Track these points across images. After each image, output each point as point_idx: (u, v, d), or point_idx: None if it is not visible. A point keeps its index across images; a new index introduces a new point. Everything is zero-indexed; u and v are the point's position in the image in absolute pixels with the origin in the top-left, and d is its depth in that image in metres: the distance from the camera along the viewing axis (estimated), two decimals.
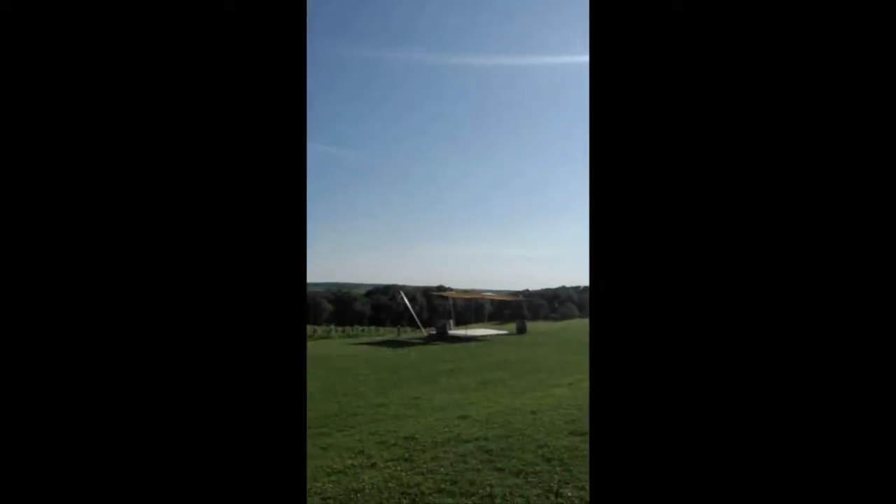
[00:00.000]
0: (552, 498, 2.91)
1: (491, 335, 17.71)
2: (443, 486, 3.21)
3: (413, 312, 23.81)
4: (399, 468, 3.60)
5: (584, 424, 4.26)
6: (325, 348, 14.38)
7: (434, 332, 18.14)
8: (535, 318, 46.56)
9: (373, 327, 33.25)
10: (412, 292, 52.75)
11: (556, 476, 3.23)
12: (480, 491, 3.09)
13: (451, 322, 18.77)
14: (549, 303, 67.39)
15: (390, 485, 3.29)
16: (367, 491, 3.23)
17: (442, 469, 3.52)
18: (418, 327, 21.77)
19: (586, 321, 17.51)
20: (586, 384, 5.20)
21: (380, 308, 63.79)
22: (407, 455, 3.89)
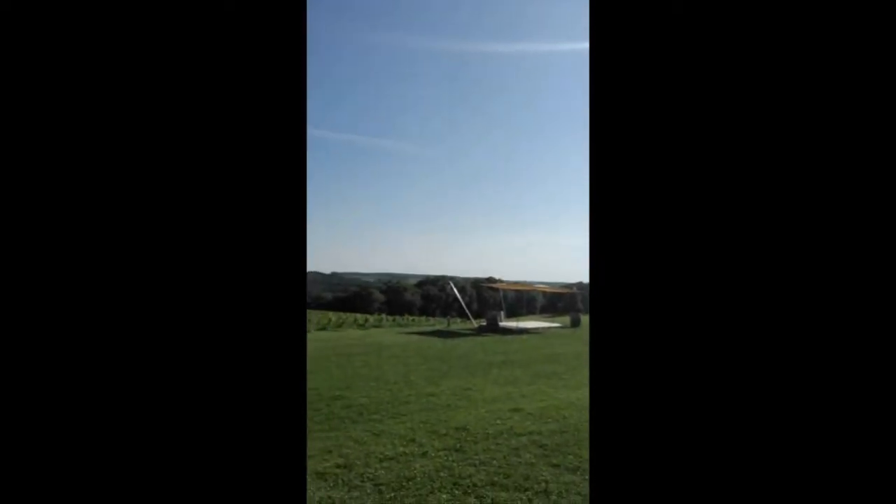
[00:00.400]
0: None
1: (543, 328, 17.40)
2: (495, 478, 3.13)
3: (463, 303, 23.82)
4: (451, 458, 3.55)
5: None
6: (377, 337, 14.65)
7: (485, 324, 18.05)
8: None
9: (423, 317, 33.65)
10: (462, 283, 52.89)
11: None
12: (535, 486, 2.99)
13: (502, 314, 18.61)
14: None
15: (442, 474, 3.24)
16: (419, 479, 3.20)
17: (495, 461, 3.44)
18: (468, 318, 21.76)
19: None
20: None
21: (430, 298, 64.51)
22: (458, 445, 3.83)
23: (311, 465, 3.51)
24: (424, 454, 3.70)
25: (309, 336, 15.90)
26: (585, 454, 3.46)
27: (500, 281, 28.69)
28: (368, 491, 3.05)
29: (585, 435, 3.92)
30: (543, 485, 3.00)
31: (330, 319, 23.28)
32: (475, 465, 3.39)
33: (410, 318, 31.70)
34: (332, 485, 3.16)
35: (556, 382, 6.57)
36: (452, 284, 31.50)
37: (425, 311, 54.16)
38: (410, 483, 3.15)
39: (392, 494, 2.99)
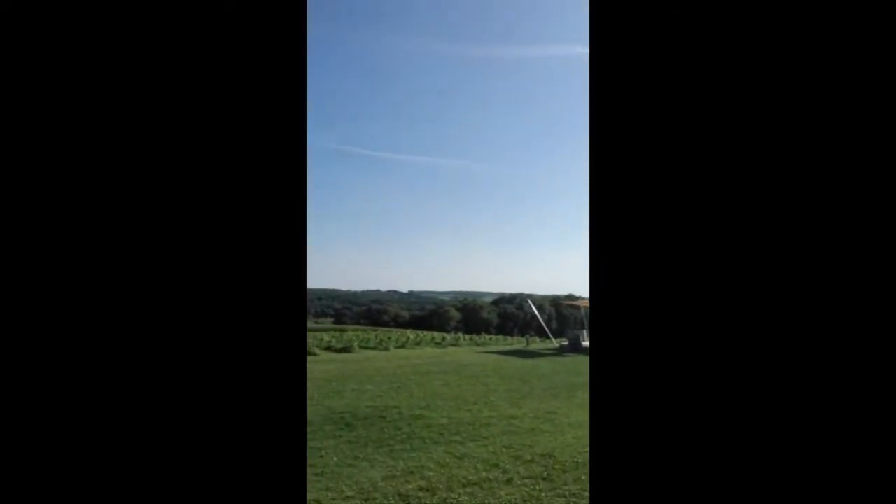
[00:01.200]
0: None
1: None
2: None
3: (542, 321, 23.14)
4: (538, 487, 3.34)
5: None
6: (455, 356, 14.60)
7: (566, 343, 17.36)
8: None
9: (500, 336, 33.17)
10: (539, 301, 51.63)
11: None
12: None
13: (585, 332, 17.81)
14: None
15: None
16: None
17: (586, 494, 3.18)
18: (548, 337, 21.07)
19: None
20: None
21: (506, 317, 63.65)
22: (545, 474, 3.61)
23: (394, 485, 3.46)
24: (509, 481, 3.52)
25: (389, 354, 16.22)
26: None
27: (581, 298, 27.59)
28: None
29: None
30: None
31: (409, 337, 23.67)
32: (565, 497, 3.16)
33: (487, 336, 31.40)
34: None
35: None
36: (530, 302, 30.83)
37: (502, 329, 53.44)
38: None
39: None
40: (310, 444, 4.60)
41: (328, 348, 17.61)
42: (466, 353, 16.10)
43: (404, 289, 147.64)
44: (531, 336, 24.38)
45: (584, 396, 6.99)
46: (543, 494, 3.21)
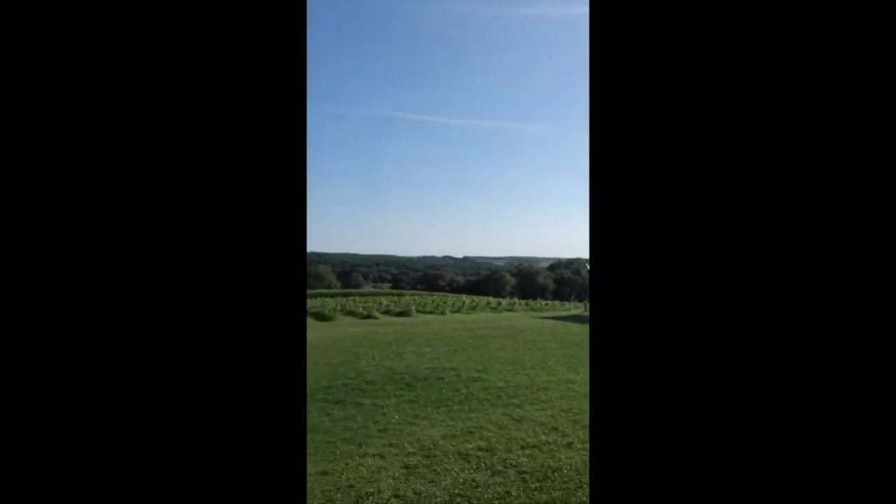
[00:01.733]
0: None
1: None
2: None
3: None
4: None
5: None
6: (511, 320, 14.62)
7: None
8: None
9: (556, 301, 32.79)
10: None
11: None
12: None
13: None
14: None
15: None
16: (566, 472, 3.03)
17: None
18: None
19: None
20: None
21: (563, 282, 62.70)
22: None
23: (454, 444, 3.55)
24: (569, 445, 3.51)
25: (445, 318, 16.51)
26: None
27: None
28: (512, 478, 2.97)
29: None
30: None
31: (464, 302, 23.95)
32: None
33: (543, 301, 31.15)
34: (474, 467, 3.15)
35: None
36: (588, 267, 30.06)
37: (559, 294, 52.75)
38: (556, 475, 3.00)
39: (537, 485, 2.87)
40: (372, 401, 4.80)
41: (387, 312, 18.18)
42: (522, 317, 16.08)
43: (458, 254, 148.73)
44: (589, 301, 23.90)
45: None
46: None
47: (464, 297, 31.76)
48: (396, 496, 2.75)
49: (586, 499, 2.65)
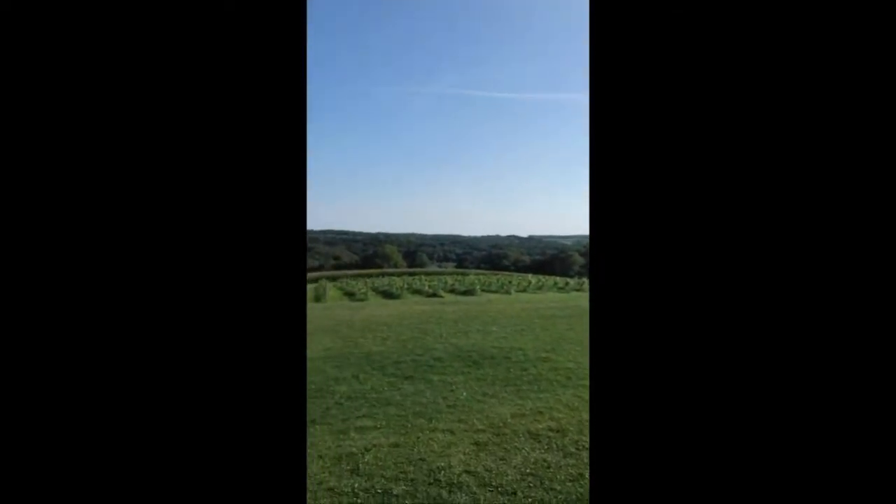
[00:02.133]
0: None
1: None
2: None
3: None
4: None
5: None
6: (579, 301, 14.25)
7: None
8: None
9: None
10: None
11: None
12: None
13: None
14: None
15: None
16: None
17: None
18: None
19: None
20: None
21: None
22: None
23: (524, 423, 3.52)
24: None
25: (511, 297, 16.41)
26: None
27: None
28: (585, 460, 2.90)
29: None
30: None
31: (530, 282, 23.66)
32: None
33: None
34: (545, 447, 3.11)
35: None
36: None
37: None
38: None
39: None
40: (440, 378, 4.87)
41: (452, 291, 18.37)
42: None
43: (523, 234, 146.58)
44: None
45: None
46: None
47: (529, 276, 31.33)
48: (467, 472, 2.78)
49: None
